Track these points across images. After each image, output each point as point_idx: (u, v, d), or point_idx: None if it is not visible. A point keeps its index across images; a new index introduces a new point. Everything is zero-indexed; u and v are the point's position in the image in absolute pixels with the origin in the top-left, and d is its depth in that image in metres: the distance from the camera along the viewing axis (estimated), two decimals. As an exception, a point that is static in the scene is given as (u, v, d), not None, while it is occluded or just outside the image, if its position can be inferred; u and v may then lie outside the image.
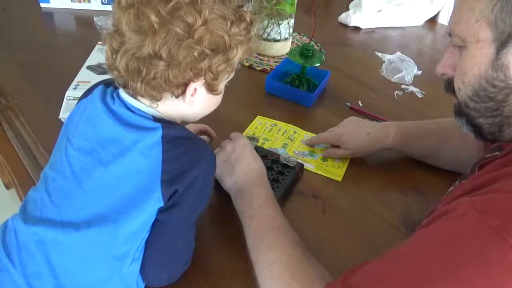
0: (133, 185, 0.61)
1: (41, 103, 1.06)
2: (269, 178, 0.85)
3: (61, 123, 0.96)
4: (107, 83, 0.69)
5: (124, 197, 0.61)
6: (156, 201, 0.61)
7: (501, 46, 0.53)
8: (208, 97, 0.66)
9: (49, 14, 1.49)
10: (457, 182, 0.70)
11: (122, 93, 0.65)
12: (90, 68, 1.07)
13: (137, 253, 0.64)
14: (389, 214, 0.84)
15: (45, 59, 1.23)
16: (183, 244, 0.67)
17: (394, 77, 1.26)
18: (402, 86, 1.23)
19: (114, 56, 0.61)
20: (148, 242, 0.64)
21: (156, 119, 0.64)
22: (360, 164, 0.95)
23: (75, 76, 1.05)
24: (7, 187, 1.81)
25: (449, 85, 0.64)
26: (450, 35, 0.60)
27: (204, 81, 0.62)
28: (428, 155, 0.93)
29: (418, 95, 1.20)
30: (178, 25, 0.57)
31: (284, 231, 0.70)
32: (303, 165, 0.91)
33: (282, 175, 0.87)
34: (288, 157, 0.90)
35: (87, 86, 1.01)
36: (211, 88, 0.64)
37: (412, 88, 1.22)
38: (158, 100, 0.63)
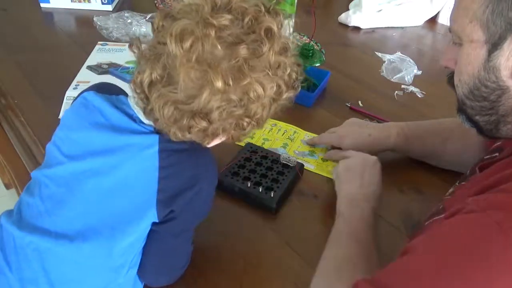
0: (127, 200, 0.60)
1: (41, 103, 1.06)
2: (269, 178, 0.86)
3: (61, 123, 0.96)
4: (97, 88, 0.67)
5: (117, 213, 0.60)
6: (151, 217, 0.60)
7: (492, 48, 0.53)
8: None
9: (49, 14, 1.49)
10: (457, 183, 0.70)
11: (132, 102, 0.62)
12: (90, 68, 1.07)
13: (134, 260, 0.64)
14: (389, 214, 0.84)
15: (45, 59, 1.23)
16: (180, 251, 0.67)
17: (394, 77, 1.26)
18: (402, 86, 1.23)
19: (149, 89, 0.56)
20: (144, 249, 0.64)
21: (155, 130, 0.61)
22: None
23: (75, 76, 1.05)
24: (7, 187, 1.82)
25: (451, 79, 0.64)
26: (450, 30, 0.61)
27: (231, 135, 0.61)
28: (430, 156, 0.92)
29: (418, 95, 1.20)
30: (238, 95, 0.54)
31: (363, 247, 0.69)
32: (303, 165, 0.91)
33: (282, 175, 0.87)
34: (288, 157, 0.90)
35: (87, 86, 1.02)
36: (234, 139, 0.62)
37: (412, 88, 1.22)
38: (176, 138, 0.59)
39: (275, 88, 0.57)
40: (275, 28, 0.55)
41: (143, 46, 0.59)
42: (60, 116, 0.96)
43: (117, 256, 0.61)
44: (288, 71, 0.58)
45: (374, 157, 0.84)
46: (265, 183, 0.84)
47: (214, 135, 0.58)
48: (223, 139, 0.61)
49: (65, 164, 0.62)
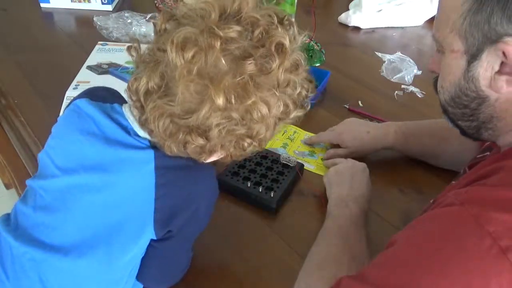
0: (123, 217, 0.58)
1: (41, 103, 1.06)
2: (269, 178, 0.86)
3: (61, 123, 0.96)
4: (91, 96, 0.63)
5: (113, 229, 0.58)
6: (149, 235, 0.59)
7: (471, 59, 0.53)
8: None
9: (49, 14, 1.49)
10: (452, 183, 0.70)
11: (127, 113, 0.59)
12: (90, 68, 1.07)
13: (133, 271, 0.63)
14: (389, 214, 0.84)
15: (45, 59, 1.23)
16: (180, 259, 0.66)
17: (394, 77, 1.26)
18: (402, 86, 1.23)
19: (145, 98, 0.52)
20: (144, 259, 0.63)
21: (150, 144, 0.57)
22: (360, 164, 0.95)
23: (75, 76, 1.05)
24: (7, 187, 1.81)
25: (436, 82, 0.64)
26: (433, 37, 0.61)
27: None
28: (428, 155, 0.93)
29: (418, 95, 1.20)
30: (240, 114, 0.50)
31: (349, 246, 0.70)
32: (303, 165, 0.91)
33: (282, 175, 0.87)
34: (288, 157, 0.90)
35: (87, 86, 1.01)
36: (233, 158, 0.58)
37: (412, 88, 1.22)
38: (170, 152, 0.55)
39: (282, 107, 0.53)
40: (287, 42, 0.50)
41: (143, 49, 0.55)
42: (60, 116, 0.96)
43: (116, 271, 0.60)
44: (298, 90, 0.54)
45: (363, 164, 0.86)
46: (265, 183, 0.84)
47: (212, 152, 0.55)
48: (221, 156, 0.57)
49: (59, 177, 0.60)
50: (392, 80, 1.26)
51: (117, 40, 1.30)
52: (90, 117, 0.59)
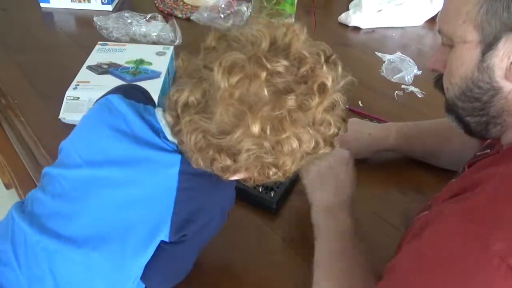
0: (140, 217, 0.58)
1: (41, 103, 1.06)
2: (269, 178, 0.86)
3: (61, 123, 0.96)
4: (124, 93, 0.64)
5: (129, 227, 0.58)
6: (162, 237, 0.59)
7: (486, 49, 0.53)
8: None
9: (49, 14, 1.49)
10: (452, 180, 0.70)
11: (160, 117, 0.60)
12: (90, 68, 1.07)
13: (140, 271, 0.63)
14: (389, 214, 0.84)
15: (45, 59, 1.23)
16: (187, 261, 0.67)
17: (394, 77, 1.26)
18: (402, 86, 1.23)
19: (182, 110, 0.53)
20: (150, 260, 0.63)
21: (178, 149, 0.58)
22: (360, 164, 0.94)
23: (75, 76, 1.05)
24: (7, 187, 1.82)
25: (438, 81, 0.63)
26: (439, 32, 0.60)
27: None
28: (429, 155, 0.92)
29: (418, 95, 1.20)
30: (271, 144, 0.51)
31: (354, 267, 0.67)
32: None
33: (282, 175, 0.87)
34: (288, 157, 0.89)
35: (87, 86, 1.02)
36: (254, 182, 0.58)
37: (412, 88, 1.22)
38: (196, 165, 0.56)
39: (313, 144, 0.53)
40: (329, 83, 0.52)
41: (191, 62, 0.55)
42: (60, 116, 0.96)
43: (127, 269, 0.61)
44: (332, 130, 0.55)
45: (346, 155, 0.78)
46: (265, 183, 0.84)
47: (235, 172, 0.56)
48: (244, 177, 0.58)
49: (82, 168, 0.61)
50: (392, 80, 1.26)
51: (117, 40, 1.30)
52: (122, 114, 0.61)
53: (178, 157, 0.57)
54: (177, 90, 0.54)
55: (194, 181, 0.58)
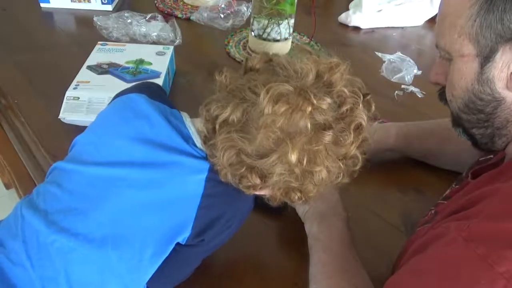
0: (161, 219, 0.58)
1: (41, 103, 1.05)
2: (269, 178, 0.85)
3: (61, 123, 0.96)
4: (149, 93, 0.64)
5: (149, 228, 0.58)
6: (180, 240, 0.59)
7: (484, 61, 0.52)
8: None
9: (49, 14, 1.49)
10: (453, 185, 0.70)
11: (188, 123, 0.61)
12: (90, 68, 1.07)
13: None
14: (389, 214, 0.84)
15: (45, 59, 1.23)
16: (195, 265, 0.66)
17: (394, 77, 1.26)
18: (402, 86, 1.23)
19: (220, 125, 0.54)
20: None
21: (206, 157, 0.59)
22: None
23: (75, 76, 1.05)
24: (7, 187, 1.82)
25: (442, 94, 0.63)
26: (436, 46, 0.60)
27: None
28: (429, 155, 0.92)
29: (418, 95, 1.20)
30: (302, 172, 0.54)
31: (351, 276, 0.65)
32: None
33: (282, 175, 0.87)
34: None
35: (87, 86, 1.02)
36: (275, 201, 0.61)
37: (412, 88, 1.22)
38: (223, 177, 0.57)
39: (339, 176, 0.57)
40: (364, 124, 0.55)
41: (234, 79, 0.57)
42: (60, 116, 0.96)
43: (142, 273, 0.60)
44: (358, 165, 0.58)
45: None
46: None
47: (261, 190, 0.58)
48: (266, 194, 0.60)
49: (103, 166, 0.60)
50: (392, 80, 1.26)
51: (117, 40, 1.30)
52: (147, 117, 0.61)
53: (206, 164, 0.58)
54: (218, 107, 0.55)
55: (220, 189, 0.59)
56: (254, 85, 0.54)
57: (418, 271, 0.51)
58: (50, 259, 0.59)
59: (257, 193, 0.59)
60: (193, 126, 0.60)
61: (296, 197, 0.57)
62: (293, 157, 0.51)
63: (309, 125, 0.51)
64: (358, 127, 0.55)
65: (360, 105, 0.55)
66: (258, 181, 0.55)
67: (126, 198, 0.59)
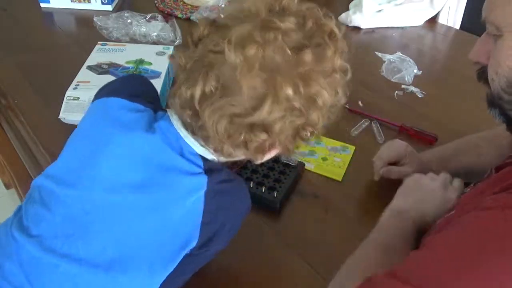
0: (165, 239, 0.57)
1: (41, 103, 1.05)
2: (271, 178, 0.86)
3: (61, 123, 0.96)
4: (130, 96, 0.61)
5: (154, 249, 0.57)
6: (187, 251, 0.58)
7: None
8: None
9: (49, 14, 1.49)
10: (472, 184, 0.69)
11: (177, 125, 0.57)
12: (90, 68, 1.07)
13: None
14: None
15: (45, 59, 1.23)
16: (192, 271, 0.65)
17: (394, 77, 1.26)
18: (402, 86, 1.23)
19: (200, 103, 0.51)
20: None
21: (204, 167, 0.57)
22: (360, 164, 0.95)
23: (75, 76, 1.05)
24: (7, 187, 1.81)
25: (481, 74, 0.60)
26: (484, 22, 0.57)
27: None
28: (464, 172, 0.84)
29: (418, 95, 1.20)
30: (303, 102, 0.51)
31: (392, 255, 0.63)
32: (304, 164, 0.91)
33: (284, 175, 0.87)
34: (289, 157, 0.90)
35: (87, 86, 1.02)
36: (287, 152, 0.58)
37: (412, 88, 1.21)
38: (228, 155, 0.56)
39: (339, 94, 0.56)
40: (336, 30, 0.54)
41: (189, 56, 0.54)
42: (60, 116, 0.96)
43: (155, 285, 0.59)
44: (349, 76, 0.56)
45: (457, 184, 0.74)
46: (268, 183, 0.84)
47: (271, 148, 0.56)
48: (276, 153, 0.58)
49: (95, 191, 0.57)
50: (392, 80, 1.26)
51: (117, 40, 1.30)
52: (132, 129, 0.57)
53: (204, 180, 0.56)
54: (187, 87, 0.52)
55: (217, 199, 0.57)
56: (214, 45, 0.51)
57: (453, 230, 0.52)
58: (59, 283, 0.57)
59: (269, 155, 0.57)
60: (184, 128, 0.57)
61: (308, 134, 0.55)
62: (289, 90, 0.49)
63: (288, 51, 0.49)
64: (331, 34, 0.54)
65: (322, 16, 0.54)
66: (264, 135, 0.52)
67: (128, 221, 0.57)
